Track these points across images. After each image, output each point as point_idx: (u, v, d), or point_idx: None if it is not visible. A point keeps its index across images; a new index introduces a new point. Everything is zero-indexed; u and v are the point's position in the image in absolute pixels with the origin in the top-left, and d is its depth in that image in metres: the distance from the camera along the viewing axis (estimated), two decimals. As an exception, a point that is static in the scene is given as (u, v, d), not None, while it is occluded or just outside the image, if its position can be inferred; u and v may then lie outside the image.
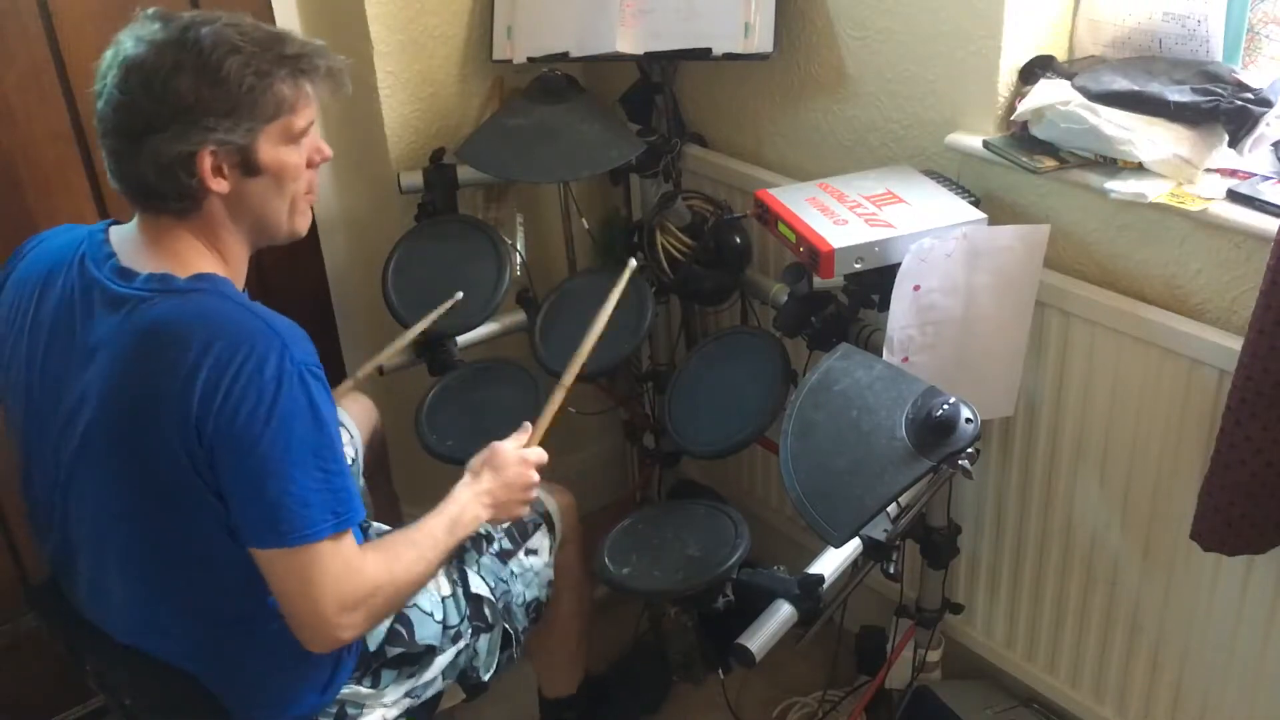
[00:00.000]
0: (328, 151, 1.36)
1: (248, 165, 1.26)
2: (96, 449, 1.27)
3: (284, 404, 1.19)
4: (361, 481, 1.80)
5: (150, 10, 1.25)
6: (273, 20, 1.96)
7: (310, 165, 1.34)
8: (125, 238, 1.32)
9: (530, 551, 1.70)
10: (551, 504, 1.76)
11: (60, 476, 1.33)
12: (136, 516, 1.28)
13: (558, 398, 1.60)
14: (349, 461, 1.75)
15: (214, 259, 1.30)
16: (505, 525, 1.68)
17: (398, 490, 2.02)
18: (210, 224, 1.29)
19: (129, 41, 1.22)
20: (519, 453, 1.52)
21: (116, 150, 1.24)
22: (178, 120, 1.20)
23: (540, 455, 1.54)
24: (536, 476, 1.52)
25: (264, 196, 1.30)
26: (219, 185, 1.25)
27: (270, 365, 1.19)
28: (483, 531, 1.66)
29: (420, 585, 1.39)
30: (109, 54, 1.23)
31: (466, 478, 1.49)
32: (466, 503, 1.45)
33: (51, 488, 1.35)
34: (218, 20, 1.24)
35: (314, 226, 2.12)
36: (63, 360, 1.30)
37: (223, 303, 1.24)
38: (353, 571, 1.27)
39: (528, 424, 1.57)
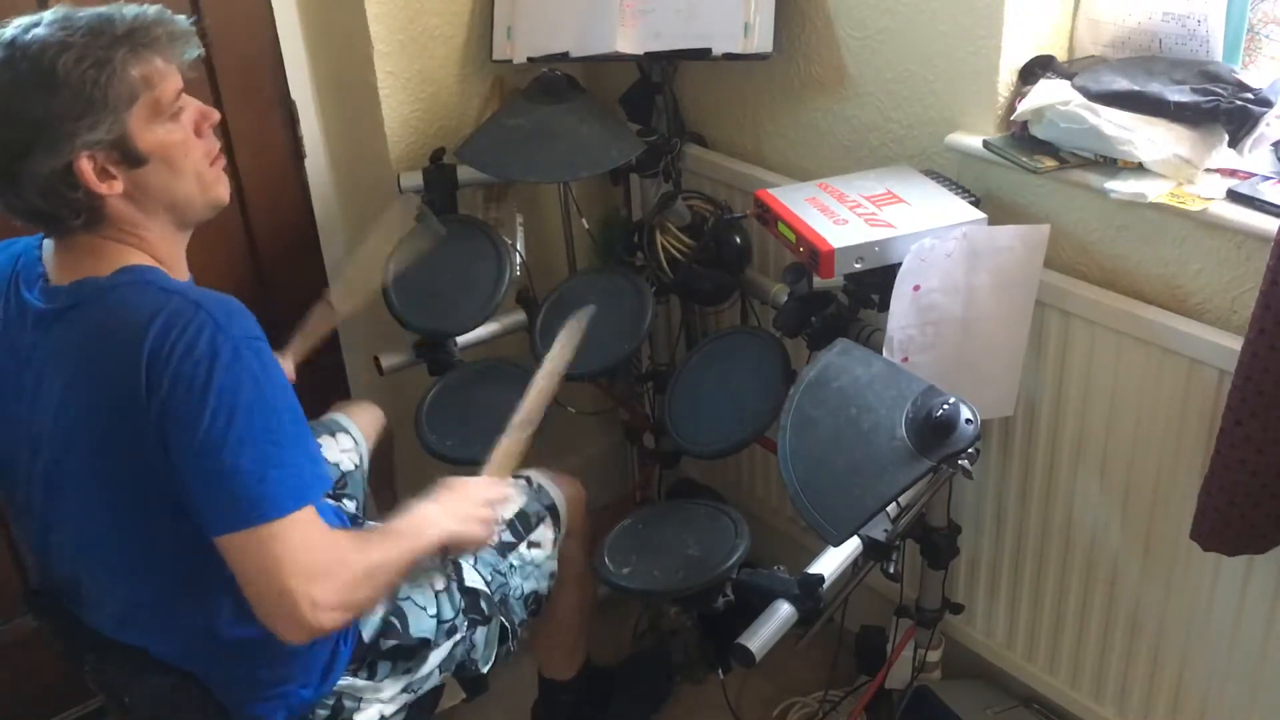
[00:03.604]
0: (214, 114, 1.29)
1: (130, 157, 1.21)
2: (70, 468, 1.26)
3: (220, 381, 1.16)
4: (366, 489, 1.81)
5: None
6: (273, 21, 1.96)
7: (199, 134, 1.28)
8: (54, 251, 1.28)
9: (533, 544, 1.70)
10: (558, 495, 1.76)
11: (36, 496, 1.32)
12: (121, 525, 1.28)
13: (519, 444, 1.53)
14: (353, 467, 1.76)
15: (139, 254, 1.26)
16: (508, 518, 1.68)
17: (398, 491, 2.03)
18: (123, 227, 1.25)
19: None
20: (475, 480, 1.47)
21: None
22: (38, 139, 1.16)
23: (507, 490, 1.50)
24: (497, 505, 1.47)
25: (163, 182, 1.25)
26: (111, 188, 1.21)
27: (201, 343, 1.16)
28: None
29: (396, 572, 1.32)
30: None
31: (426, 498, 1.43)
32: (425, 507, 1.39)
33: (30, 507, 1.35)
34: (41, 20, 1.18)
35: (314, 226, 2.13)
36: (15, 385, 1.28)
37: (146, 290, 1.21)
38: (318, 545, 1.21)
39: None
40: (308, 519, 1.21)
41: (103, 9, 1.21)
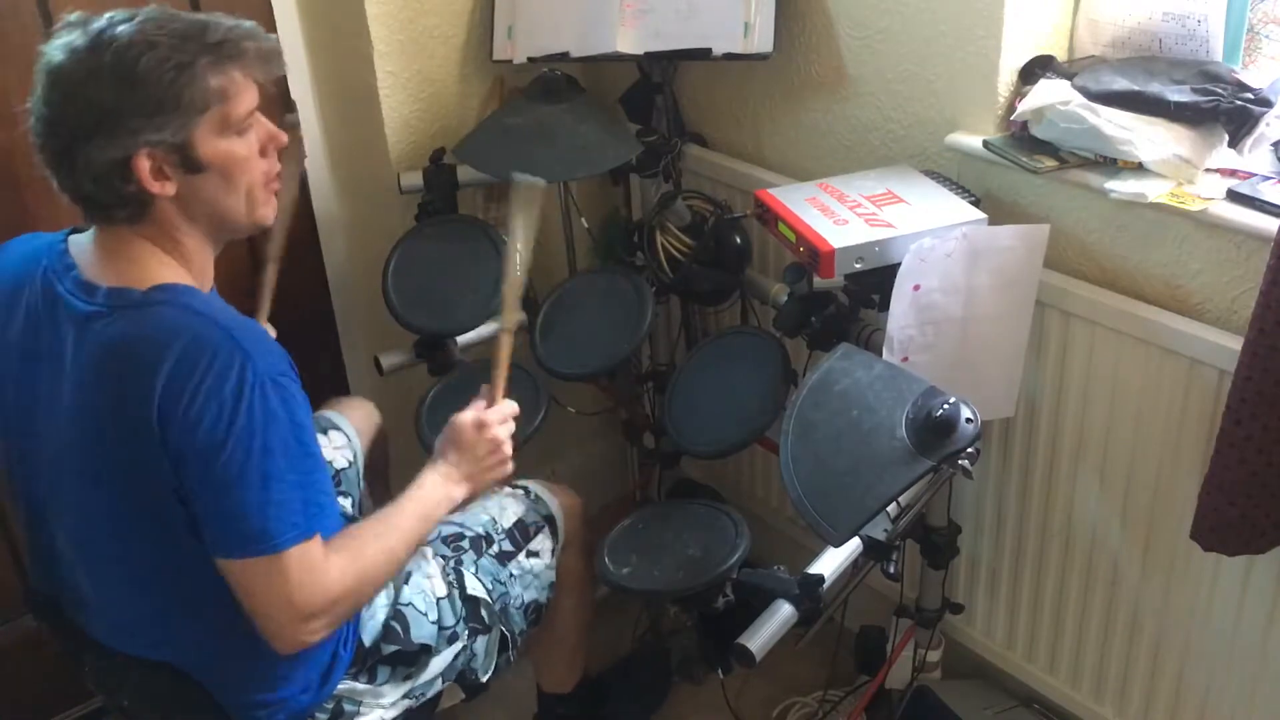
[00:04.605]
0: (283, 137, 1.31)
1: (189, 163, 1.22)
2: (74, 469, 1.26)
3: (244, 418, 1.17)
4: (362, 485, 1.80)
5: (72, 16, 1.21)
6: (273, 21, 1.96)
7: (263, 154, 1.29)
8: (84, 247, 1.29)
9: (531, 554, 1.69)
10: (555, 505, 1.75)
11: (43, 496, 1.33)
12: (122, 530, 1.28)
13: (505, 344, 1.51)
14: (347, 465, 1.76)
15: (174, 265, 1.27)
16: (508, 527, 1.68)
17: (397, 489, 2.02)
18: (165, 228, 1.25)
19: (51, 52, 1.19)
20: (476, 418, 1.45)
21: (53, 164, 1.22)
22: (102, 127, 1.17)
23: (504, 409, 1.48)
24: (503, 434, 1.46)
25: (214, 193, 1.25)
26: (164, 188, 1.21)
27: (231, 379, 1.17)
28: (483, 533, 1.66)
29: (387, 580, 1.37)
30: (37, 67, 1.20)
31: (434, 461, 1.45)
32: (436, 488, 1.42)
33: (36, 507, 1.35)
34: (136, 16, 1.19)
35: (314, 227, 2.13)
36: (35, 383, 1.28)
37: (181, 314, 1.21)
38: (316, 581, 1.24)
39: (484, 386, 1.50)
40: (310, 552, 1.23)
41: (199, 16, 1.23)
